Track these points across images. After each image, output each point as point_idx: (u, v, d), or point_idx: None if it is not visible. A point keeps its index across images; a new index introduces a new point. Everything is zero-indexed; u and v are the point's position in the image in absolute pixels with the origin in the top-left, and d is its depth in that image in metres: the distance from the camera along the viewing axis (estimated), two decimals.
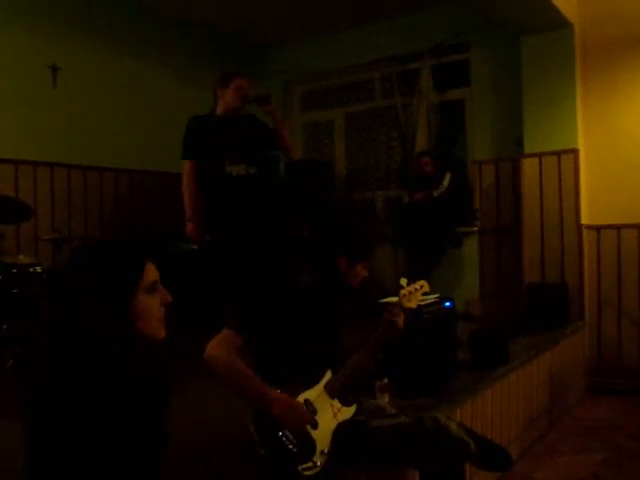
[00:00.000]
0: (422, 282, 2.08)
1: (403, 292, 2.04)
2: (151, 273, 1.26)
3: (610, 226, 4.55)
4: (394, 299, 2.09)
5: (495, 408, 2.99)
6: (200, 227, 3.54)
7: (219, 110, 3.61)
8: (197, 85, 5.66)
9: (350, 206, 6.03)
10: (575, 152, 4.55)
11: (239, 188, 3.47)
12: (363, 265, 2.06)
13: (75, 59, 4.76)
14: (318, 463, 1.82)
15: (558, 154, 4.60)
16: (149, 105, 5.28)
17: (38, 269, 3.62)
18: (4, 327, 3.39)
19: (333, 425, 1.91)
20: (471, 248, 5.33)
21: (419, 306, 2.15)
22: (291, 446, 1.82)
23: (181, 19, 5.51)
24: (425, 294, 2.13)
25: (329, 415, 1.91)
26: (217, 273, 3.44)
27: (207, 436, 2.20)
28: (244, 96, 3.53)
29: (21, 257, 3.78)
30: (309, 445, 1.84)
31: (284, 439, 1.82)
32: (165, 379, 1.31)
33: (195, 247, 3.85)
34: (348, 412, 1.97)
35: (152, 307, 1.25)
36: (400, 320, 2.00)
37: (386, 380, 2.49)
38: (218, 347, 1.83)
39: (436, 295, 2.80)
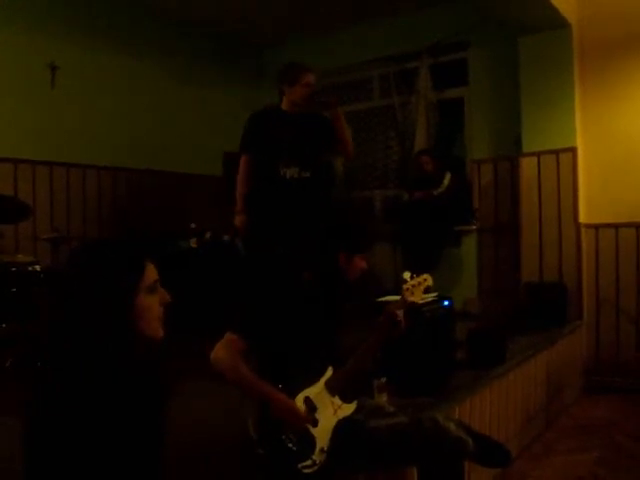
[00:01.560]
0: (425, 276, 2.05)
1: (406, 286, 2.02)
2: (152, 273, 1.27)
3: (608, 225, 4.55)
4: (395, 298, 2.09)
5: (493, 407, 3.00)
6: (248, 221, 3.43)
7: (284, 106, 3.49)
8: (197, 85, 5.68)
9: (349, 205, 6.03)
10: (573, 151, 4.56)
11: (292, 191, 3.35)
12: (361, 257, 2.07)
13: (75, 59, 4.76)
14: (317, 461, 1.83)
15: (556, 153, 4.60)
16: (149, 105, 5.28)
17: (37, 268, 3.62)
18: (3, 326, 3.39)
19: (333, 422, 1.91)
20: (469, 247, 5.34)
21: (418, 305, 2.15)
22: (291, 444, 1.83)
23: (181, 19, 5.51)
24: (427, 289, 2.11)
25: (329, 412, 1.92)
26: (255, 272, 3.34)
27: (207, 436, 2.21)
28: (311, 93, 3.43)
29: (20, 256, 3.79)
30: (309, 443, 1.85)
31: (284, 438, 1.83)
32: (165, 379, 1.32)
33: (195, 246, 3.79)
34: (348, 409, 1.97)
35: (152, 307, 1.26)
36: (401, 314, 1.99)
37: (384, 379, 2.50)
38: (223, 350, 1.87)
39: (434, 294, 2.81)
